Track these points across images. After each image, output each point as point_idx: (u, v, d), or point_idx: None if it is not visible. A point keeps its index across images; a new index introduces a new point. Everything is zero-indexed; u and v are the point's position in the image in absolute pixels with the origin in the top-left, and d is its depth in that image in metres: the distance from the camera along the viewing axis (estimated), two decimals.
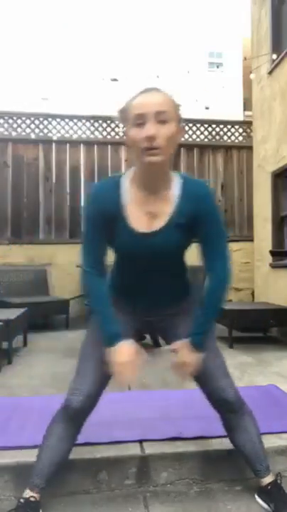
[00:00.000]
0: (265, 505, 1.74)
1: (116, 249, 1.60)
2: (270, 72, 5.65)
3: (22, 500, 1.62)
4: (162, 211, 1.52)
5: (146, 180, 1.51)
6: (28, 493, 1.64)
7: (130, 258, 1.59)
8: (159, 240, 1.52)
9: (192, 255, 1.68)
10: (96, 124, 6.58)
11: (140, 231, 1.51)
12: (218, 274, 1.58)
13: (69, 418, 1.64)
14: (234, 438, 1.76)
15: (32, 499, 1.62)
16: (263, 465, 1.75)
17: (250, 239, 6.46)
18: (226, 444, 2.00)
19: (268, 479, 1.74)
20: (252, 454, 1.74)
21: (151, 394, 2.73)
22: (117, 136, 6.61)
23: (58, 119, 6.50)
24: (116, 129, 6.62)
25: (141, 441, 2.02)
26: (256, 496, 1.79)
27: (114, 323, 1.54)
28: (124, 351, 1.52)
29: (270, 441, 2.04)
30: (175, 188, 1.53)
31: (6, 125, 6.35)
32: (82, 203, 6.49)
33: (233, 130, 6.88)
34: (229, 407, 1.69)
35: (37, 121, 6.42)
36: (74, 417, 1.64)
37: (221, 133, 6.86)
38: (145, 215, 1.52)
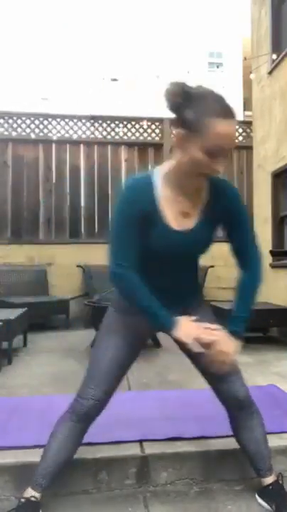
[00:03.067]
0: (266, 505, 1.74)
1: (147, 246, 1.53)
2: (270, 72, 5.65)
3: (23, 500, 1.62)
4: (194, 210, 1.54)
5: (186, 183, 1.49)
6: (29, 493, 1.63)
7: (158, 255, 1.55)
8: (191, 237, 1.53)
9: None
10: (96, 124, 6.59)
11: (174, 229, 1.51)
12: (255, 265, 1.63)
13: (78, 420, 1.65)
14: (239, 436, 1.75)
15: (33, 499, 1.62)
16: (266, 465, 1.75)
17: None
18: (226, 444, 2.01)
19: (269, 479, 1.74)
20: (256, 453, 1.74)
21: (151, 394, 2.73)
22: (117, 137, 6.61)
23: (58, 119, 6.50)
24: (116, 129, 6.62)
25: (141, 441, 2.02)
26: (257, 496, 1.79)
27: (163, 309, 1.49)
28: (188, 324, 1.49)
29: (270, 441, 2.03)
30: (206, 187, 1.55)
31: (6, 125, 6.35)
32: (83, 203, 6.50)
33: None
34: (239, 405, 1.68)
35: (37, 121, 6.42)
36: (84, 418, 1.66)
37: None
38: (178, 213, 1.52)
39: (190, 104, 1.36)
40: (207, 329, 1.49)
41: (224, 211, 1.56)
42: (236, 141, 6.86)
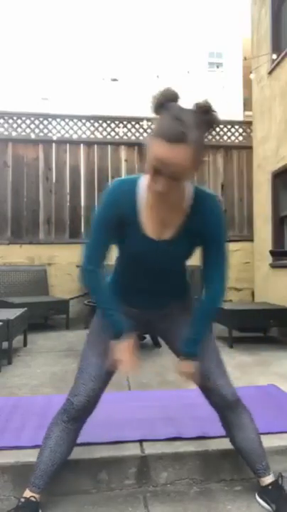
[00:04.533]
0: (266, 506, 1.73)
1: (124, 250, 1.61)
2: (270, 72, 5.65)
3: (23, 500, 1.63)
4: (174, 221, 1.53)
5: (163, 193, 1.46)
6: (28, 493, 1.64)
7: (136, 259, 1.59)
8: (168, 247, 1.54)
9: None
10: (96, 124, 6.59)
11: (151, 237, 1.53)
12: (215, 289, 1.62)
13: (70, 419, 1.67)
14: (232, 436, 1.78)
15: (32, 499, 1.63)
16: (263, 464, 1.75)
17: (250, 239, 6.46)
18: (226, 444, 2.00)
19: (268, 479, 1.74)
20: (251, 452, 1.75)
21: (151, 394, 2.73)
22: (117, 136, 6.62)
23: (58, 119, 6.51)
24: (116, 129, 6.62)
25: (141, 441, 2.02)
26: (257, 496, 1.79)
27: (119, 320, 1.58)
28: (124, 348, 1.57)
29: (270, 441, 2.03)
30: (188, 199, 1.52)
31: (6, 125, 6.35)
32: (83, 203, 6.50)
33: (233, 130, 6.88)
34: (227, 405, 1.72)
35: (37, 121, 6.42)
36: (75, 417, 1.67)
37: (221, 133, 6.86)
38: (157, 222, 1.52)
39: (157, 118, 1.35)
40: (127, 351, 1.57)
41: (201, 227, 1.53)
42: (236, 141, 6.85)
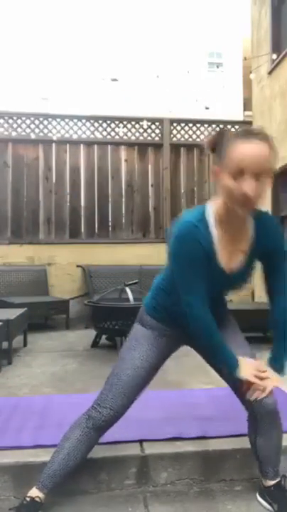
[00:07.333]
0: (267, 505, 1.73)
1: None
2: (270, 72, 5.65)
3: (27, 499, 1.61)
4: (241, 248, 1.58)
5: (233, 221, 1.51)
6: (33, 493, 1.62)
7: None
8: (237, 275, 1.60)
9: None
10: (96, 124, 6.59)
11: (223, 269, 1.55)
12: (284, 306, 1.64)
13: (93, 426, 1.67)
14: (255, 439, 1.71)
15: (37, 499, 1.61)
16: (275, 469, 1.73)
17: None
18: (226, 444, 2.01)
19: (272, 482, 1.74)
20: (267, 457, 1.72)
21: (151, 394, 2.73)
22: (117, 137, 6.62)
23: (58, 119, 6.51)
24: (116, 129, 6.62)
25: (141, 441, 2.02)
26: (258, 496, 1.79)
27: (229, 350, 1.57)
28: (247, 365, 1.57)
29: None
30: (250, 225, 1.57)
31: (6, 125, 6.35)
32: (83, 203, 6.50)
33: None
34: (266, 413, 1.64)
35: (37, 121, 6.42)
36: (98, 426, 1.67)
37: None
38: (229, 253, 1.55)
39: (223, 143, 1.43)
40: (259, 369, 1.58)
41: (265, 250, 1.60)
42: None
